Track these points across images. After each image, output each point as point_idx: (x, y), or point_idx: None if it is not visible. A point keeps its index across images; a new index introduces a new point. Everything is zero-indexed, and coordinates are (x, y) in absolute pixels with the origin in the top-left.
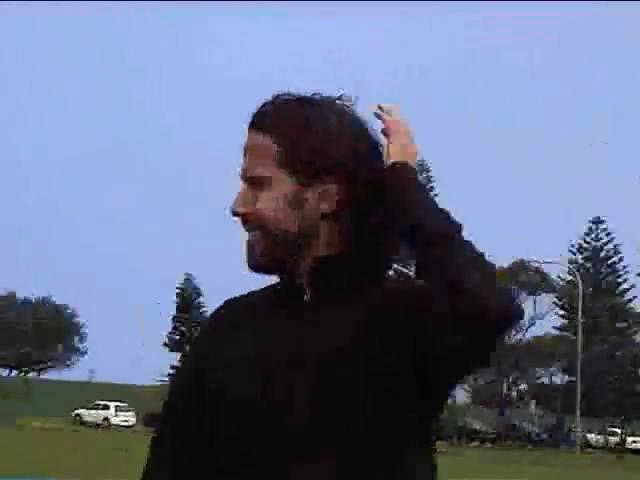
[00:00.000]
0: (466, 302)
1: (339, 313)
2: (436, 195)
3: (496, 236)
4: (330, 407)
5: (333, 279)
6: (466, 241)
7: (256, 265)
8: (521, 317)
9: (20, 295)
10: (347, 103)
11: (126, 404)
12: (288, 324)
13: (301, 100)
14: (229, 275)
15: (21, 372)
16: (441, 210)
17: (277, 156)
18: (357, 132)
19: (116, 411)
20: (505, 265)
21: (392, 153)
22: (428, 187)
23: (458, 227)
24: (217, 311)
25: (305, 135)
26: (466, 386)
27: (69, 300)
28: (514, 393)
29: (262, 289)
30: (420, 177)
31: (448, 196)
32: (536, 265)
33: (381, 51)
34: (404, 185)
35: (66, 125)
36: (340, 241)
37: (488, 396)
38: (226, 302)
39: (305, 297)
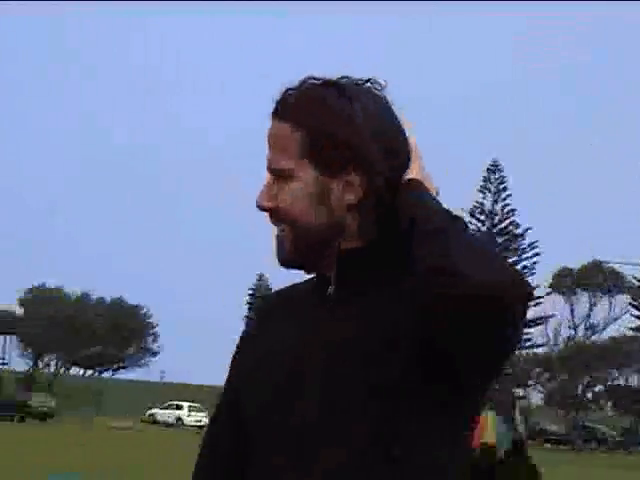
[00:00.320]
0: (457, 284)
1: (360, 307)
2: (510, 195)
3: (572, 237)
4: (334, 407)
5: (357, 272)
6: (464, 233)
7: (285, 260)
8: (524, 293)
9: (94, 295)
10: (376, 87)
11: (199, 404)
12: (311, 319)
13: (326, 85)
14: (303, 276)
15: (95, 372)
16: (445, 210)
17: (300, 147)
18: (383, 120)
19: (189, 411)
20: (581, 266)
21: (412, 171)
22: (501, 187)
23: (455, 221)
24: (259, 305)
25: (328, 125)
26: (540, 387)
27: (143, 301)
28: (589, 395)
29: (304, 281)
30: (493, 177)
31: (523, 197)
32: (611, 266)
33: (381, 51)
34: (410, 188)
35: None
36: (366, 233)
37: (562, 398)
38: (267, 296)
39: (329, 290)
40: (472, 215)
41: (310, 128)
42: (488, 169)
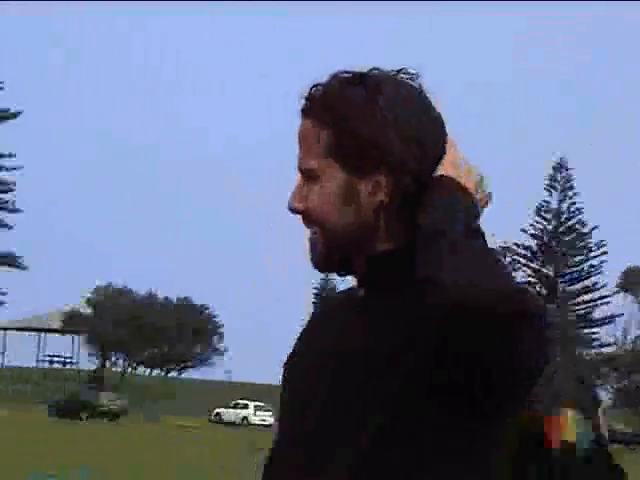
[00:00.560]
0: (443, 296)
1: (383, 313)
2: (576, 193)
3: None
4: (335, 414)
5: (385, 276)
6: (465, 241)
7: (318, 264)
8: (517, 308)
9: (161, 295)
10: (410, 77)
11: (265, 403)
12: (341, 322)
13: (353, 80)
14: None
15: (162, 371)
16: (452, 213)
17: (326, 146)
18: (413, 114)
19: (255, 410)
20: None
21: (444, 166)
22: (568, 185)
23: (455, 226)
24: (316, 307)
25: (353, 122)
26: (608, 387)
27: (209, 300)
28: None
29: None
30: (559, 176)
31: (590, 195)
32: None
33: (381, 51)
34: (438, 185)
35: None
36: (396, 235)
37: (631, 398)
38: (325, 298)
39: (360, 293)
40: (538, 214)
41: (335, 126)
42: (554, 167)
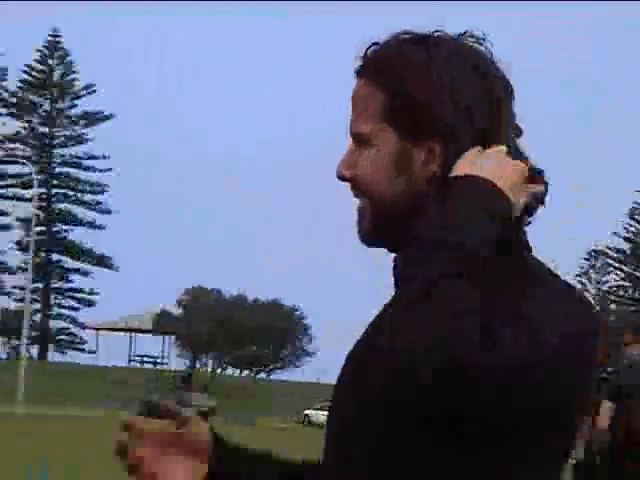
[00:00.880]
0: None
1: None
2: None
3: None
4: (342, 413)
5: None
6: (421, 300)
7: (363, 237)
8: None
9: (250, 297)
10: (477, 41)
11: None
12: None
13: (413, 42)
14: None
15: (251, 372)
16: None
17: (380, 108)
18: (472, 82)
19: None
20: None
21: (458, 166)
22: None
23: (428, 276)
24: None
25: (410, 84)
26: None
27: (298, 302)
28: None
29: None
30: None
31: None
32: None
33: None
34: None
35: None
36: None
37: None
38: None
39: None
40: (631, 217)
41: (390, 88)
42: None
